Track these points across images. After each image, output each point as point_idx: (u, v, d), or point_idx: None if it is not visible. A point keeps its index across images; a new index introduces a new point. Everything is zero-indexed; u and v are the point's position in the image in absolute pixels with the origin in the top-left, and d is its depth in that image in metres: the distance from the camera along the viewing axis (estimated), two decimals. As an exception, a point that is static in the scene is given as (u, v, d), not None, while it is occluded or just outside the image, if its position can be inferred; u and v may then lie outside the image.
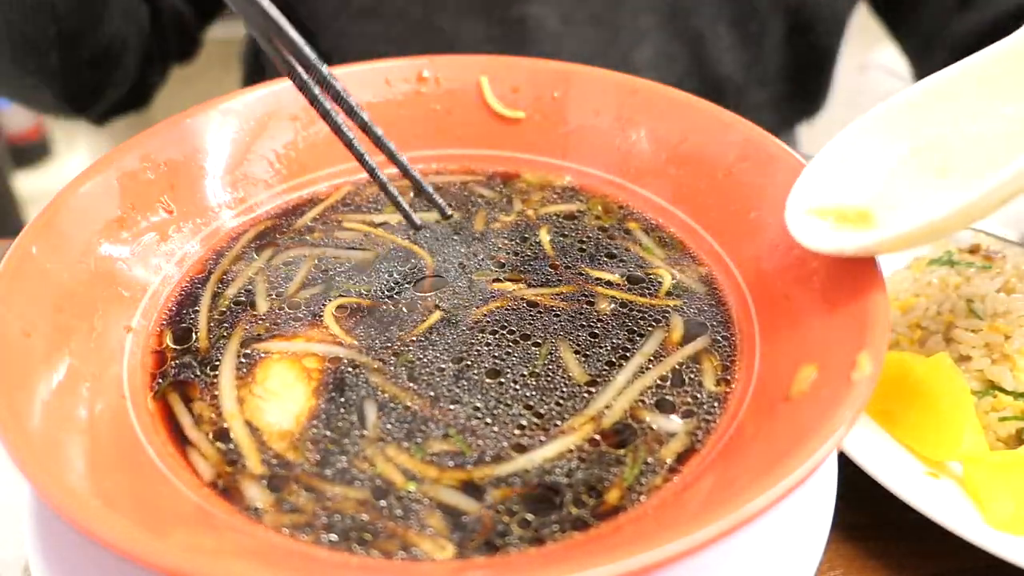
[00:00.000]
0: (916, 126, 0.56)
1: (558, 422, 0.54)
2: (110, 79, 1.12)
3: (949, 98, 0.55)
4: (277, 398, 0.56)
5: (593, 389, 0.57)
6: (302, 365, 0.58)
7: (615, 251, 0.70)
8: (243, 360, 0.59)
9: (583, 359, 0.59)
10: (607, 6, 1.14)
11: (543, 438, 0.53)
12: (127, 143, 0.66)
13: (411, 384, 0.57)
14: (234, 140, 0.70)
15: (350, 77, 0.77)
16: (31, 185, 2.81)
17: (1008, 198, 0.46)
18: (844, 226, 0.54)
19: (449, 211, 0.69)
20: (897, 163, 0.56)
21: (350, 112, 0.62)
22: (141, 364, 0.58)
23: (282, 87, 0.75)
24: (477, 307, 0.63)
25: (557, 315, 0.63)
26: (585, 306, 0.64)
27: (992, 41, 0.56)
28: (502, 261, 0.68)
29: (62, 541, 0.51)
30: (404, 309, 0.63)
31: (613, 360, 0.59)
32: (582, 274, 0.67)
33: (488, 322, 0.62)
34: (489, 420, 0.54)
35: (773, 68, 1.27)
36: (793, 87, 1.32)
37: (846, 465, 0.63)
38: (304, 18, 1.21)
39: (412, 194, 0.73)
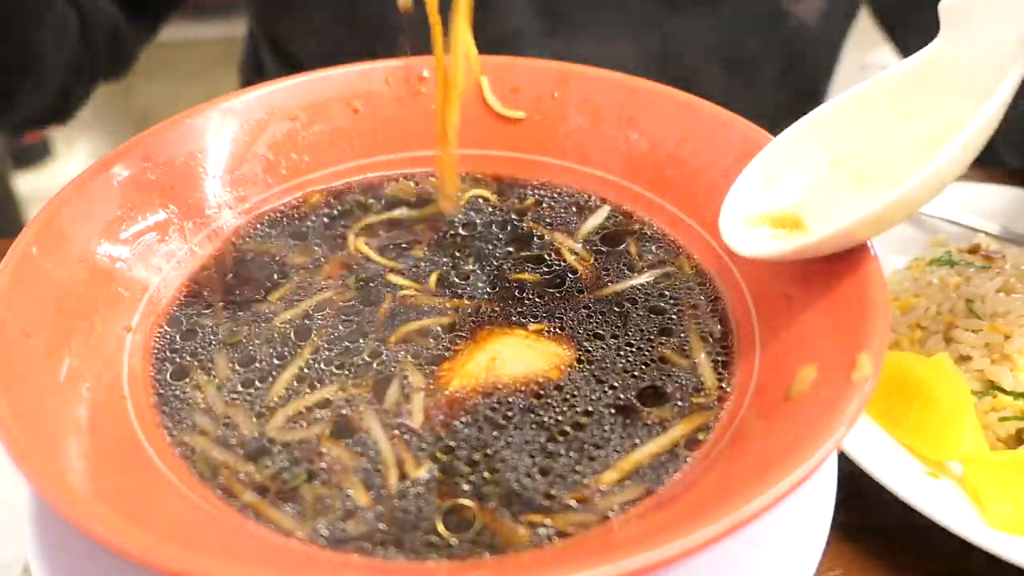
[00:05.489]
0: (835, 138, 0.59)
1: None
2: (19, 88, 1.07)
3: (862, 112, 0.58)
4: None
5: (591, 390, 0.57)
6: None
7: (615, 250, 0.70)
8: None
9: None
10: (595, 50, 1.15)
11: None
12: (127, 143, 0.66)
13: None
14: (234, 140, 0.70)
15: (350, 76, 0.77)
16: (31, 185, 2.81)
17: (914, 208, 0.50)
18: (778, 232, 0.57)
19: None
20: (820, 172, 0.59)
21: None
22: (141, 364, 0.58)
23: (282, 87, 0.74)
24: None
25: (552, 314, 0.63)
26: (584, 305, 0.64)
27: None
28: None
29: (62, 541, 0.51)
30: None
31: (610, 361, 0.59)
32: (579, 271, 0.67)
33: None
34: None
35: (768, 104, 1.28)
36: (788, 116, 1.32)
37: (846, 465, 0.63)
38: (298, 59, 1.21)
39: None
